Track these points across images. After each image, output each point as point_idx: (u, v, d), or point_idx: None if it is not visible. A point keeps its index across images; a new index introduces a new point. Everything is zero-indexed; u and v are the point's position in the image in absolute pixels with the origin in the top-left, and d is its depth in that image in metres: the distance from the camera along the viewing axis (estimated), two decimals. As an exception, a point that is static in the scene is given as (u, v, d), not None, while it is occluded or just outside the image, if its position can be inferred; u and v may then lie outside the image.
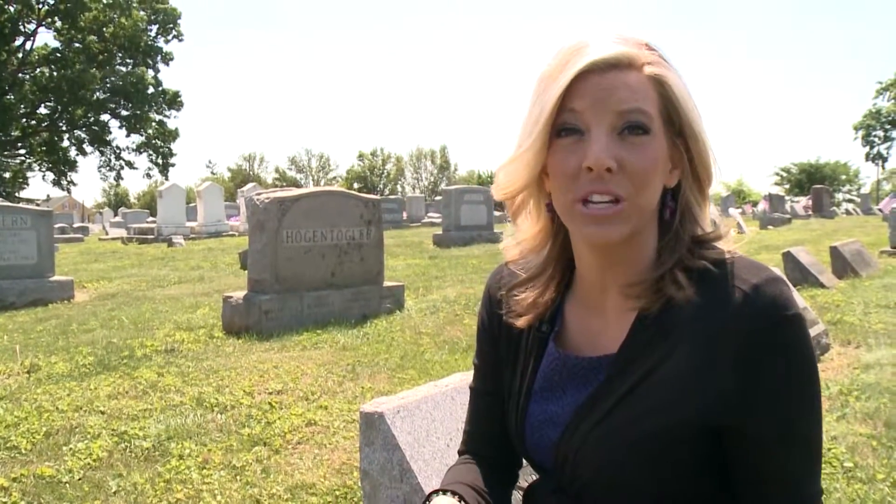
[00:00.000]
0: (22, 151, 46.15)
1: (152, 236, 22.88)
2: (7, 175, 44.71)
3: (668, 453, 1.07)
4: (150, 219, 31.60)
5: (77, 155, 47.92)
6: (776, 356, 1.04)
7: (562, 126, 1.09)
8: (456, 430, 2.31)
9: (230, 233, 23.97)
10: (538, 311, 1.28)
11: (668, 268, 1.12)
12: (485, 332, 1.39)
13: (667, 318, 1.10)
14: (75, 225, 35.02)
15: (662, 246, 1.15)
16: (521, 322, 1.29)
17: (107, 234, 31.38)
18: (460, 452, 1.45)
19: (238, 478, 3.50)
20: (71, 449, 3.93)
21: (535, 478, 1.36)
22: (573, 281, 1.28)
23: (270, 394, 4.80)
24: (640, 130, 1.06)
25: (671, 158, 1.13)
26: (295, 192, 7.71)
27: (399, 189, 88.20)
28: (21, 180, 46.64)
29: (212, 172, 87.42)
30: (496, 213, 22.07)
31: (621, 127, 1.06)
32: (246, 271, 8.28)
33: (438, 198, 31.56)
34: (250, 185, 33.03)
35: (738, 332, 1.04)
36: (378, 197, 9.30)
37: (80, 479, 3.54)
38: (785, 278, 1.10)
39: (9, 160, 45.12)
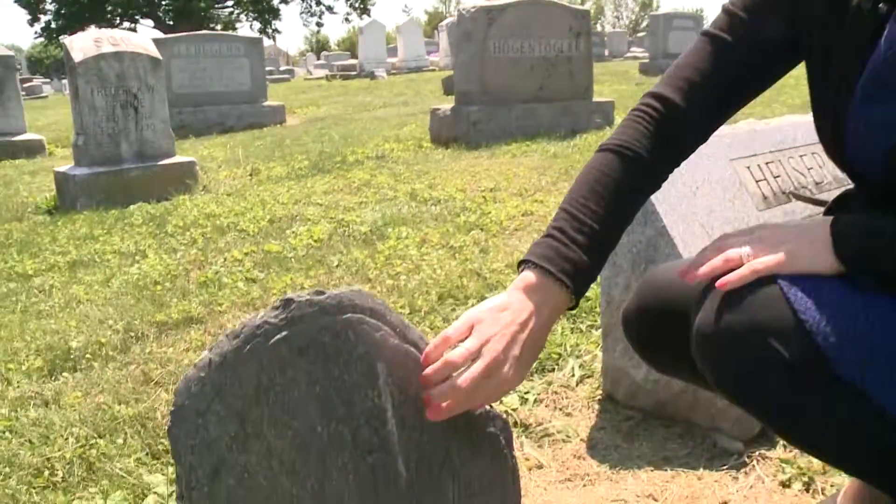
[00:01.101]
0: (230, 3, 47.95)
1: (354, 72, 23.23)
2: (219, 27, 46.84)
3: None
4: (352, 60, 32.16)
5: (280, 3, 49.18)
6: None
7: None
8: (703, 179, 2.04)
9: (430, 68, 23.91)
10: None
11: None
12: None
13: None
14: (281, 69, 36.29)
15: None
16: None
17: (311, 74, 32.30)
18: (647, 94, 1.15)
19: (456, 256, 3.41)
20: (293, 232, 4.01)
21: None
22: None
23: (483, 191, 4.67)
24: None
25: None
26: (502, 1, 7.36)
27: (598, 28, 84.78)
28: (231, 31, 48.77)
29: (408, 17, 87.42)
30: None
31: None
32: (450, 96, 8.11)
33: (641, 34, 29.85)
34: (449, 18, 32.67)
35: None
36: (587, 7, 8.75)
37: (303, 255, 3.59)
38: None
39: (219, 13, 47.18)
